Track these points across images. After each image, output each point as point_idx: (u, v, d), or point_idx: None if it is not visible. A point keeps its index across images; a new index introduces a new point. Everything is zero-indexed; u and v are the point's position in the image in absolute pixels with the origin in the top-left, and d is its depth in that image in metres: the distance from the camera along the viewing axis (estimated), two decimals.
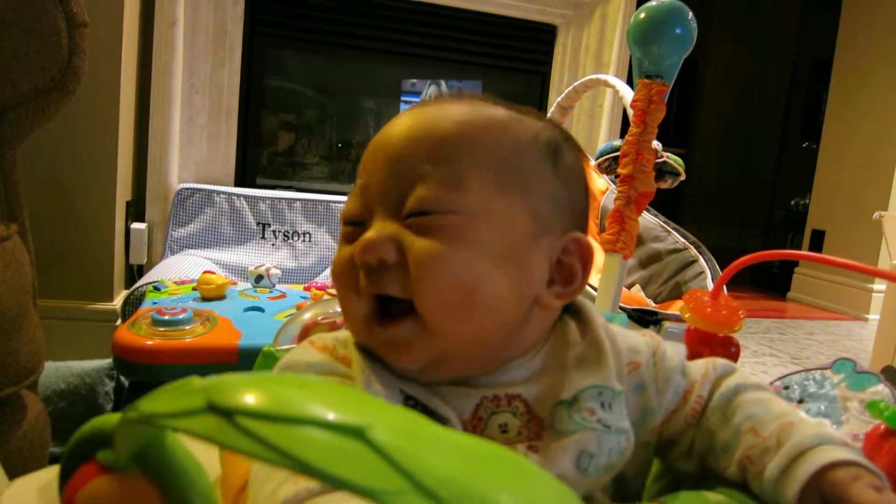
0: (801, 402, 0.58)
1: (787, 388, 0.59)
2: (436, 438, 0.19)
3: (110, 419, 0.24)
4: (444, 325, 0.38)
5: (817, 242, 3.33)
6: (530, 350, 0.43)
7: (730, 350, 0.58)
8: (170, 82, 1.82)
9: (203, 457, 0.27)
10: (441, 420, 0.38)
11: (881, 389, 0.54)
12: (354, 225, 0.42)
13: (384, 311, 0.39)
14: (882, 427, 0.46)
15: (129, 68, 1.62)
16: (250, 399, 0.18)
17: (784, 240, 3.80)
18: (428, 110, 0.42)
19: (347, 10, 2.10)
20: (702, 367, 0.47)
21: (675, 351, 0.47)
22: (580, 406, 0.40)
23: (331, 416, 0.18)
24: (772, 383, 0.61)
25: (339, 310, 0.43)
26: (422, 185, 0.39)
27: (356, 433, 0.17)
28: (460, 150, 0.40)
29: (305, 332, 0.66)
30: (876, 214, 2.33)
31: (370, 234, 0.39)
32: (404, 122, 0.42)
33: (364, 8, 2.11)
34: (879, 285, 2.89)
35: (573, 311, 0.46)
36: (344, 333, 0.43)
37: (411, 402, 0.39)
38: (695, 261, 1.44)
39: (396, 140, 0.41)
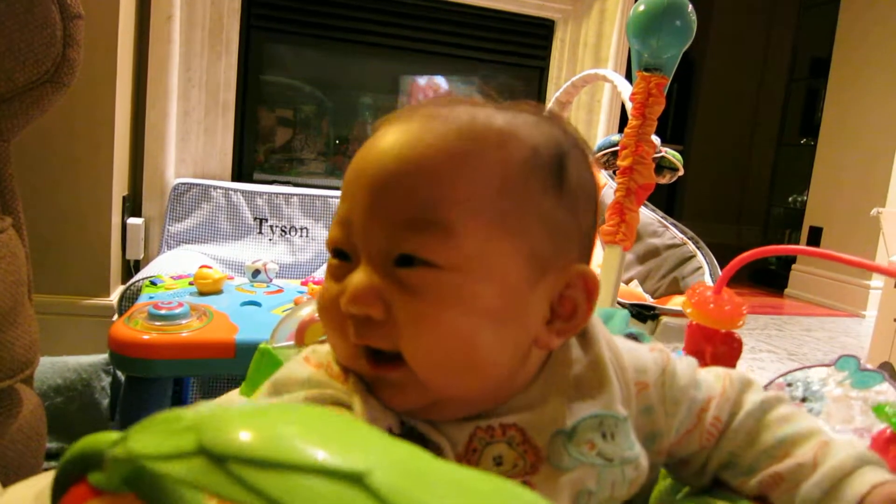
0: (804, 400, 0.57)
1: (790, 384, 0.58)
2: (439, 479, 0.18)
3: (100, 440, 0.24)
4: (435, 381, 0.36)
5: (815, 239, 3.33)
6: (528, 380, 0.40)
7: (732, 346, 0.58)
8: (166, 76, 1.81)
9: None
10: (436, 450, 0.37)
11: (885, 389, 0.54)
12: (341, 258, 0.39)
13: (374, 354, 0.37)
14: (889, 431, 0.46)
15: (125, 62, 1.61)
16: (244, 442, 0.18)
17: (782, 236, 3.80)
18: (413, 132, 0.37)
19: (345, 5, 2.09)
20: (717, 382, 0.45)
21: (685, 366, 0.45)
22: (578, 439, 0.38)
23: (329, 460, 0.17)
24: (774, 381, 0.61)
25: None
26: (408, 230, 0.36)
27: (355, 479, 0.17)
28: (447, 188, 0.36)
29: (302, 330, 0.65)
30: (874, 211, 2.33)
31: (356, 282, 0.36)
32: (387, 149, 0.37)
33: (361, 3, 2.10)
34: (876, 282, 2.89)
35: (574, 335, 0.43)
36: None
37: (407, 429, 0.37)
38: (693, 256, 1.44)
39: (378, 174, 0.37)
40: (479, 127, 0.38)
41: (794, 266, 3.43)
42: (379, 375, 0.37)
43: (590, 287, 0.40)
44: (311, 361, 0.41)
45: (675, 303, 1.31)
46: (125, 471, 0.23)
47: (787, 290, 3.41)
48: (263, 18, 2.03)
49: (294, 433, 0.18)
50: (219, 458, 0.17)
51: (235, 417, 0.19)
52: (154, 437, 0.19)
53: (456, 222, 0.35)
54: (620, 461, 0.39)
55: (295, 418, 0.20)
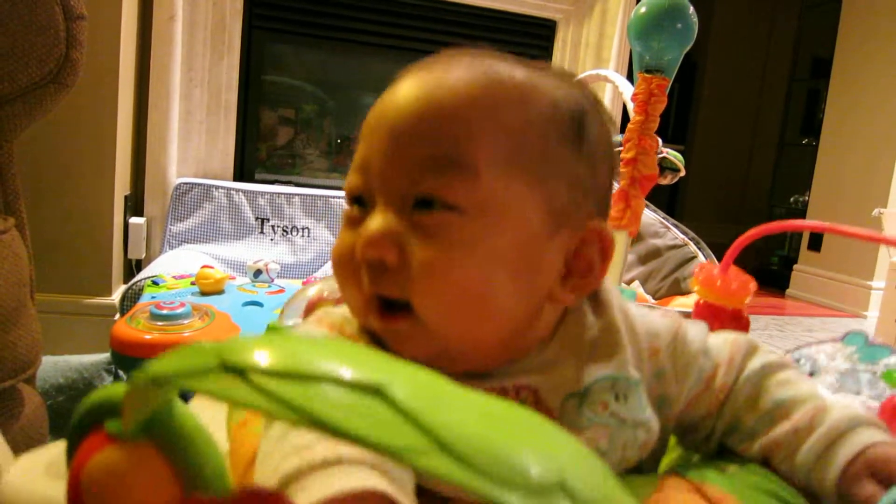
0: (812, 374, 0.57)
1: (798, 361, 0.58)
2: (458, 397, 0.18)
3: (118, 388, 0.24)
4: (444, 330, 0.36)
5: (816, 240, 3.33)
6: (542, 340, 0.40)
7: (740, 324, 0.58)
8: (168, 76, 1.82)
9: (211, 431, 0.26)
10: None
11: (894, 361, 0.54)
12: (358, 204, 0.39)
13: (385, 304, 0.37)
14: None
15: (127, 62, 1.61)
16: (264, 357, 0.18)
17: (783, 236, 3.80)
18: (435, 77, 0.38)
19: (346, 5, 2.09)
20: (726, 348, 0.45)
21: (696, 331, 0.45)
22: (592, 399, 0.38)
23: (347, 373, 0.17)
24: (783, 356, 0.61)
25: None
26: (426, 172, 0.36)
27: (374, 390, 0.17)
28: (474, 131, 0.36)
29: (311, 308, 0.66)
30: (875, 211, 2.33)
31: (373, 227, 0.36)
32: (408, 93, 0.37)
33: (363, 2, 2.10)
34: (878, 282, 2.89)
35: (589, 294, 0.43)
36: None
37: None
38: (694, 257, 1.44)
39: (399, 116, 0.37)
40: (502, 76, 0.38)
41: (795, 266, 3.42)
42: (388, 327, 0.37)
43: (605, 245, 0.40)
44: (325, 323, 0.41)
45: (677, 304, 1.31)
46: (145, 404, 0.23)
47: (788, 291, 3.41)
48: (265, 19, 2.03)
49: (313, 352, 0.18)
50: (239, 371, 0.17)
51: (256, 341, 0.19)
52: (176, 361, 0.20)
53: (478, 163, 0.36)
54: (633, 423, 0.39)
55: (314, 341, 0.20)
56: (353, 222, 0.38)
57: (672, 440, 0.47)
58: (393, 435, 0.16)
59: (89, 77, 1.03)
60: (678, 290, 1.45)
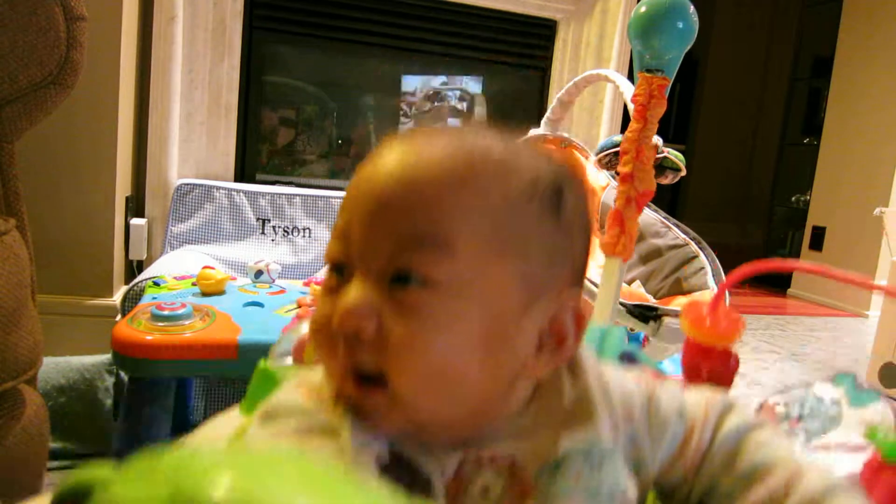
0: (800, 419, 0.57)
1: (786, 404, 0.58)
2: None
3: (91, 476, 0.23)
4: (418, 404, 0.36)
5: (818, 239, 3.33)
6: (517, 409, 0.40)
7: (728, 363, 0.57)
8: (169, 78, 1.82)
9: None
10: (424, 483, 0.37)
11: (881, 409, 0.53)
12: (337, 272, 0.39)
13: (361, 377, 0.37)
14: (880, 457, 0.46)
15: (128, 63, 1.61)
16: (220, 495, 0.17)
17: (784, 236, 3.80)
18: (415, 152, 0.38)
19: (347, 6, 2.09)
20: (700, 405, 0.45)
21: (670, 395, 0.45)
22: (565, 470, 0.38)
23: None
24: (766, 401, 0.61)
25: None
26: (404, 247, 0.36)
27: None
28: (449, 208, 0.36)
29: (301, 348, 0.66)
30: (877, 210, 2.32)
31: (350, 298, 0.36)
32: (388, 168, 0.38)
33: (364, 3, 2.10)
34: (879, 282, 2.88)
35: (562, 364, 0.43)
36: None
37: (395, 456, 0.37)
38: (695, 256, 1.44)
39: (379, 191, 0.37)
40: (481, 152, 0.38)
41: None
42: (363, 398, 0.37)
43: (578, 316, 0.40)
44: (303, 388, 0.41)
45: (678, 303, 1.31)
46: None
47: (789, 290, 3.41)
48: (266, 19, 2.03)
49: (274, 488, 0.18)
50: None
51: (211, 468, 0.18)
52: (132, 485, 0.19)
53: (455, 239, 0.36)
54: (608, 493, 0.39)
55: (279, 472, 0.19)
56: (332, 291, 0.38)
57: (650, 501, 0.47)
58: None
59: (90, 78, 1.03)
60: (679, 289, 1.44)
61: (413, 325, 0.35)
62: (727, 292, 0.61)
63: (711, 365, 0.55)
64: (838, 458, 0.54)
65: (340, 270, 0.39)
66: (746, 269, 0.56)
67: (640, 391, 0.44)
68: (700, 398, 0.46)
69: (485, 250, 0.37)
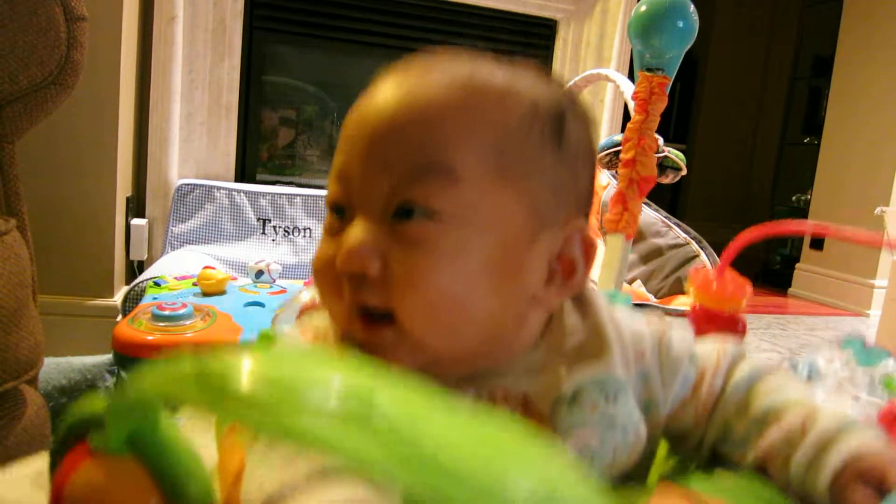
0: (810, 379, 0.57)
1: (795, 366, 0.58)
2: (443, 412, 0.18)
3: (99, 402, 0.23)
4: (429, 339, 0.36)
5: (818, 238, 3.32)
6: (529, 344, 0.40)
7: (736, 328, 0.57)
8: (169, 78, 1.82)
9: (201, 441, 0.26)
10: None
11: (891, 364, 0.53)
12: (337, 213, 0.38)
13: (367, 314, 0.36)
14: None
15: (128, 63, 1.61)
16: (244, 371, 0.17)
17: (785, 236, 3.80)
18: (413, 82, 0.37)
19: (347, 5, 2.09)
20: (712, 353, 0.45)
21: (681, 338, 0.45)
22: (581, 401, 0.38)
23: (329, 387, 0.17)
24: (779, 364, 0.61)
25: None
26: (406, 180, 0.35)
27: (357, 404, 0.16)
28: (454, 134, 0.35)
29: (303, 314, 0.65)
30: (877, 210, 2.32)
31: (352, 239, 0.36)
32: (386, 99, 0.37)
33: (364, 3, 2.10)
34: (881, 281, 2.88)
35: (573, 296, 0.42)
36: None
37: None
38: (696, 256, 1.44)
39: (377, 123, 0.36)
40: (481, 79, 0.37)
41: (797, 265, 3.42)
42: (372, 337, 0.36)
43: (587, 245, 0.40)
44: (308, 331, 0.41)
45: (679, 303, 1.31)
46: (128, 419, 0.22)
47: (790, 290, 3.41)
48: (266, 20, 2.03)
49: (295, 365, 0.18)
50: (219, 386, 0.17)
51: (235, 355, 0.18)
52: (155, 375, 0.19)
53: (459, 168, 0.35)
54: (623, 424, 0.39)
55: (296, 356, 0.20)
56: (333, 232, 0.38)
57: (663, 451, 0.47)
58: (377, 448, 0.16)
59: (90, 78, 1.03)
60: (680, 289, 1.44)
61: (419, 258, 0.35)
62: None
63: (719, 329, 0.55)
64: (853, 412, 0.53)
65: (341, 212, 0.38)
66: (754, 232, 0.56)
67: (651, 332, 0.43)
68: (711, 347, 0.46)
69: (487, 177, 0.36)
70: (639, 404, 0.41)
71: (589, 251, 0.40)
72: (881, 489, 0.36)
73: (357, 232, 0.36)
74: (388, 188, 0.35)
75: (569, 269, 0.39)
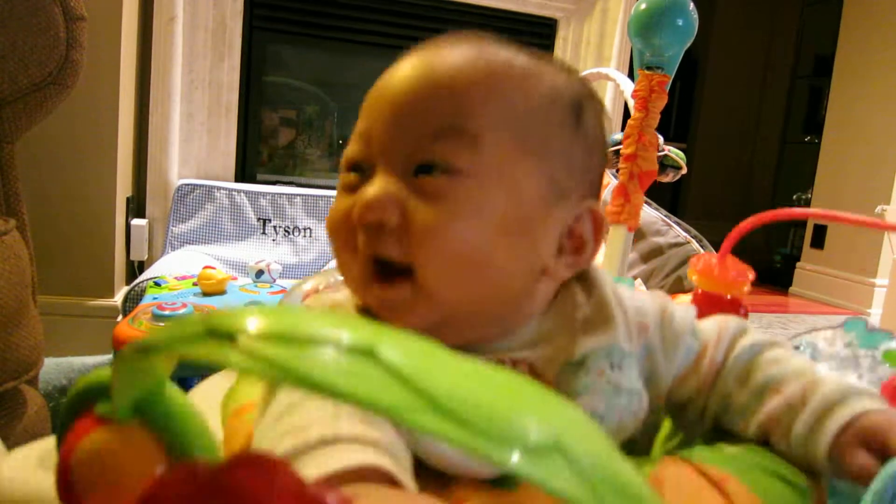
0: (812, 359, 0.57)
1: (797, 347, 0.58)
2: (452, 361, 0.18)
3: (105, 372, 0.23)
4: (444, 294, 0.36)
5: (819, 237, 3.32)
6: (537, 313, 0.41)
7: (739, 313, 0.57)
8: (169, 78, 1.82)
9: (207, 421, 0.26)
10: None
11: (894, 345, 0.53)
12: (356, 171, 0.39)
13: (383, 269, 0.37)
14: None
15: (128, 63, 1.61)
16: (253, 321, 0.17)
17: (786, 234, 3.79)
18: (438, 54, 0.38)
19: (347, 5, 2.09)
20: (714, 327, 0.46)
21: (684, 312, 0.45)
22: (588, 367, 0.39)
23: (339, 335, 0.17)
24: None
25: (341, 279, 0.41)
26: (431, 139, 0.36)
27: (366, 351, 0.16)
28: (477, 101, 0.37)
29: (308, 298, 0.65)
30: (878, 209, 2.32)
31: (372, 190, 0.36)
32: (412, 67, 0.38)
33: (364, 2, 2.10)
34: (881, 279, 2.88)
35: (578, 274, 0.43)
36: (342, 295, 0.42)
37: None
38: (697, 254, 1.44)
39: (403, 86, 0.37)
40: (506, 58, 0.39)
41: (798, 264, 3.42)
42: (387, 292, 0.37)
43: (597, 222, 0.41)
44: (317, 306, 0.41)
45: (680, 301, 1.31)
46: (134, 385, 0.22)
47: (791, 289, 3.40)
48: (266, 19, 2.03)
49: (304, 316, 0.18)
50: (227, 335, 0.17)
51: (243, 308, 0.19)
52: (163, 330, 0.19)
53: (481, 132, 0.36)
54: (628, 391, 0.40)
55: (304, 309, 0.19)
56: (351, 188, 0.38)
57: (668, 426, 0.47)
58: (385, 393, 0.16)
59: (90, 78, 1.03)
60: (681, 288, 1.44)
61: (439, 210, 0.36)
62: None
63: (721, 314, 0.55)
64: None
65: (359, 169, 0.39)
66: (759, 218, 0.56)
67: (653, 306, 0.44)
68: (713, 321, 0.47)
69: (507, 146, 0.37)
70: (642, 376, 0.42)
71: (599, 231, 0.41)
72: (882, 454, 0.36)
73: (377, 184, 0.36)
74: (410, 146, 0.36)
75: (578, 245, 0.41)
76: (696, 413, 0.45)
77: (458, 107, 0.36)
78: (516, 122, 0.37)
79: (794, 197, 3.82)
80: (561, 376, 0.39)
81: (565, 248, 0.40)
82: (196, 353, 0.17)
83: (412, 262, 0.36)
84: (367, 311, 0.39)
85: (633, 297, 0.44)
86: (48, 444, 0.42)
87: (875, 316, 2.77)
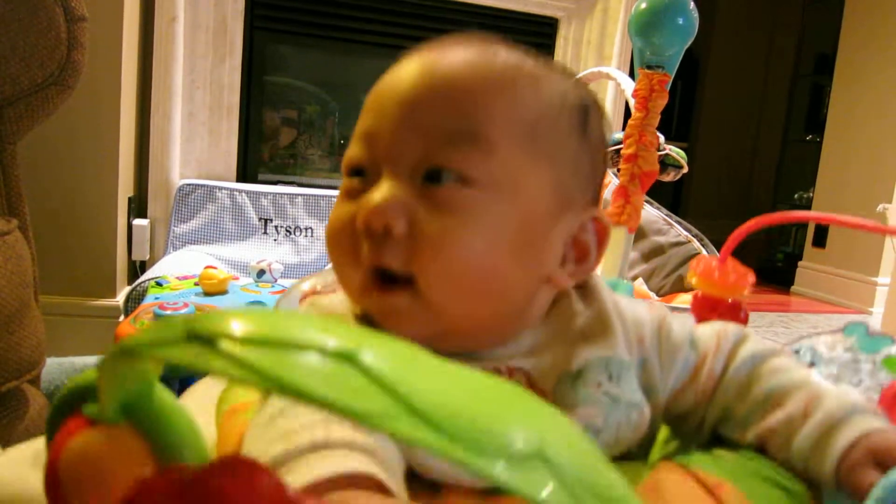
0: (812, 365, 0.57)
1: (797, 352, 0.58)
2: (435, 367, 0.17)
3: (93, 373, 0.23)
4: (447, 307, 0.36)
5: (821, 236, 3.32)
6: (535, 322, 0.40)
7: (739, 316, 0.57)
8: (170, 78, 1.82)
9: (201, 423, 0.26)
10: None
11: (895, 351, 0.53)
12: (358, 175, 0.37)
13: (383, 277, 0.36)
14: None
15: (129, 64, 1.62)
16: (234, 325, 0.17)
17: (788, 233, 3.79)
18: (449, 54, 0.37)
19: (348, 5, 2.09)
20: (713, 336, 0.45)
21: (681, 324, 0.45)
22: (586, 379, 0.38)
23: (319, 340, 0.17)
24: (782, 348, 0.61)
25: None
26: (441, 143, 0.35)
27: (346, 357, 0.16)
28: (486, 103, 0.35)
29: (305, 300, 0.65)
30: (880, 207, 2.32)
31: (379, 195, 0.35)
32: (421, 67, 0.36)
33: (364, 2, 2.10)
34: (883, 279, 2.88)
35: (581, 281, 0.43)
36: (339, 298, 0.41)
37: None
38: (698, 254, 1.44)
39: (414, 86, 0.36)
40: (516, 62, 0.38)
41: (800, 263, 3.41)
42: (386, 302, 0.36)
43: (601, 231, 0.41)
44: (313, 311, 0.41)
45: (680, 301, 1.31)
46: (122, 386, 0.22)
47: (793, 287, 3.40)
48: (267, 19, 2.03)
49: (286, 321, 0.18)
50: (207, 339, 0.17)
51: (225, 311, 0.18)
52: (145, 333, 0.19)
53: (494, 138, 0.35)
54: (626, 403, 0.39)
55: (287, 313, 0.19)
56: (353, 194, 0.37)
57: (664, 434, 0.47)
58: (364, 400, 0.15)
59: (91, 79, 1.04)
60: (681, 287, 1.44)
61: (448, 221, 0.34)
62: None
63: (721, 317, 0.55)
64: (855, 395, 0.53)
65: (362, 173, 0.37)
66: (758, 221, 0.56)
67: (651, 317, 0.44)
68: (712, 330, 0.46)
69: (519, 152, 0.36)
70: (639, 388, 0.42)
71: (602, 239, 0.41)
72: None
73: (384, 190, 0.35)
74: (420, 150, 0.35)
75: (582, 253, 0.40)
76: (694, 424, 0.45)
77: (471, 111, 0.35)
78: (529, 129, 0.37)
79: (796, 196, 3.82)
80: (558, 387, 0.38)
81: (569, 256, 0.40)
82: (176, 356, 0.17)
83: (415, 272, 0.35)
84: (367, 318, 0.38)
85: (633, 307, 0.44)
86: (41, 443, 0.42)
87: (877, 315, 2.76)
